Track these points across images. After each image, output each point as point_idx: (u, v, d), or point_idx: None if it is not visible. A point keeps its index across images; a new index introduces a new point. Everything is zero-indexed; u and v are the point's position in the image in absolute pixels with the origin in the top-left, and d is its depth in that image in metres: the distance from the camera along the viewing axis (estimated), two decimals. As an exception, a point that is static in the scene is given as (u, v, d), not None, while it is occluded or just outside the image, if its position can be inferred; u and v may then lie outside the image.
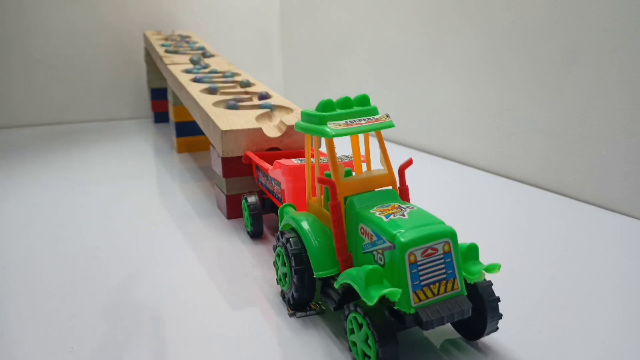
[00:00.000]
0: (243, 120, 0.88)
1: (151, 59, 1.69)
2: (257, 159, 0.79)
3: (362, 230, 0.52)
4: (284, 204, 0.65)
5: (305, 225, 0.57)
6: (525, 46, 1.06)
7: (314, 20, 1.89)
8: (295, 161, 0.72)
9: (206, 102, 1.00)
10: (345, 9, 1.68)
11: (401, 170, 0.58)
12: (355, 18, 1.63)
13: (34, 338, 0.54)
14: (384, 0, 1.49)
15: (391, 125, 0.56)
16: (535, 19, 1.03)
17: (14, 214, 0.93)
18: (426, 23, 1.33)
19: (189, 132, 1.37)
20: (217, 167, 0.87)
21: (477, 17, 1.17)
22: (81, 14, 1.81)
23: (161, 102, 1.77)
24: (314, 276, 0.55)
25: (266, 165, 0.76)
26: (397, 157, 0.60)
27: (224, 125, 0.84)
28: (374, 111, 0.58)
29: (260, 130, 0.85)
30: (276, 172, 0.72)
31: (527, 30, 1.05)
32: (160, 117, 1.80)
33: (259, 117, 0.93)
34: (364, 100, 0.58)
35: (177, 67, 1.33)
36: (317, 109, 0.56)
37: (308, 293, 0.58)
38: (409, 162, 0.59)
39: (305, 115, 0.57)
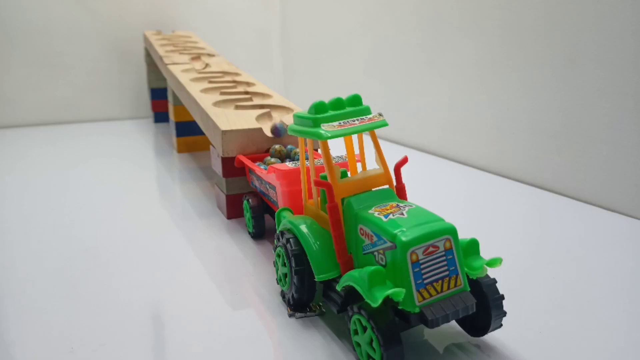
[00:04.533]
0: (243, 120, 0.88)
1: (151, 59, 1.69)
2: (249, 163, 0.79)
3: (362, 231, 0.52)
4: (280, 208, 0.65)
5: (303, 228, 0.57)
6: (525, 46, 1.05)
7: (314, 20, 1.89)
8: (289, 165, 0.71)
9: (206, 102, 1.00)
10: (344, 9, 1.68)
11: (397, 169, 0.58)
12: (355, 18, 1.63)
13: (34, 338, 0.54)
14: (383, 0, 1.49)
15: (385, 124, 0.56)
16: (535, 18, 1.02)
17: (14, 214, 0.92)
18: (425, 23, 1.33)
19: (189, 132, 1.37)
20: (217, 167, 0.87)
21: (476, 17, 1.17)
22: (81, 14, 1.81)
23: (161, 102, 1.77)
24: (315, 280, 0.55)
25: (258, 169, 0.76)
26: (398, 156, 0.60)
27: (224, 125, 0.84)
28: (367, 111, 0.58)
29: (260, 130, 0.84)
30: (270, 176, 0.72)
31: (527, 30, 1.05)
32: (160, 117, 1.80)
33: (259, 117, 0.93)
34: (355, 100, 0.58)
35: (177, 67, 1.33)
36: (310, 111, 0.56)
37: (308, 293, 0.58)
38: (404, 160, 0.58)
39: (298, 118, 0.57)
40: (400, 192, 0.58)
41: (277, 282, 0.61)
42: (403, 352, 0.46)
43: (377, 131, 1.48)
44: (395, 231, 0.48)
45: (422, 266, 0.47)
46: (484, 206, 0.96)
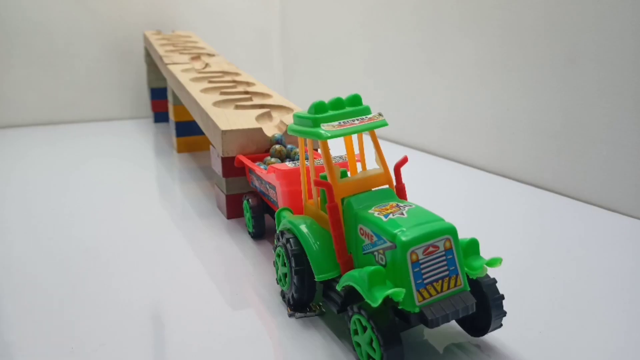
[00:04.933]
0: (243, 120, 0.88)
1: (151, 59, 1.69)
2: (249, 163, 0.79)
3: (362, 231, 0.52)
4: (280, 208, 0.65)
5: (303, 228, 0.57)
6: (525, 46, 1.05)
7: (314, 20, 1.89)
8: (289, 164, 0.71)
9: (206, 101, 1.00)
10: (344, 9, 1.68)
11: (397, 169, 0.58)
12: (355, 18, 1.63)
13: (34, 338, 0.54)
14: (383, 0, 1.49)
15: (384, 124, 0.56)
16: (535, 18, 1.02)
17: (14, 214, 0.91)
18: (425, 22, 1.33)
19: (189, 132, 1.37)
20: (217, 167, 0.87)
21: (476, 17, 1.17)
22: (81, 14, 1.81)
23: (161, 102, 1.77)
24: (315, 280, 0.55)
25: (258, 169, 0.76)
26: (398, 156, 0.60)
27: (224, 125, 0.84)
28: (367, 110, 0.58)
29: (260, 130, 0.85)
30: (270, 176, 0.72)
31: (527, 29, 1.05)
32: (160, 117, 1.80)
33: (259, 117, 0.93)
34: (355, 100, 0.58)
35: (177, 67, 1.33)
36: (310, 111, 0.56)
37: (308, 293, 0.58)
38: (404, 160, 0.58)
39: (298, 118, 0.57)
40: (400, 192, 0.58)
41: (277, 282, 0.61)
42: (403, 352, 0.46)
43: (377, 131, 1.48)
44: (395, 231, 0.48)
45: (422, 266, 0.47)
46: (484, 206, 0.96)
